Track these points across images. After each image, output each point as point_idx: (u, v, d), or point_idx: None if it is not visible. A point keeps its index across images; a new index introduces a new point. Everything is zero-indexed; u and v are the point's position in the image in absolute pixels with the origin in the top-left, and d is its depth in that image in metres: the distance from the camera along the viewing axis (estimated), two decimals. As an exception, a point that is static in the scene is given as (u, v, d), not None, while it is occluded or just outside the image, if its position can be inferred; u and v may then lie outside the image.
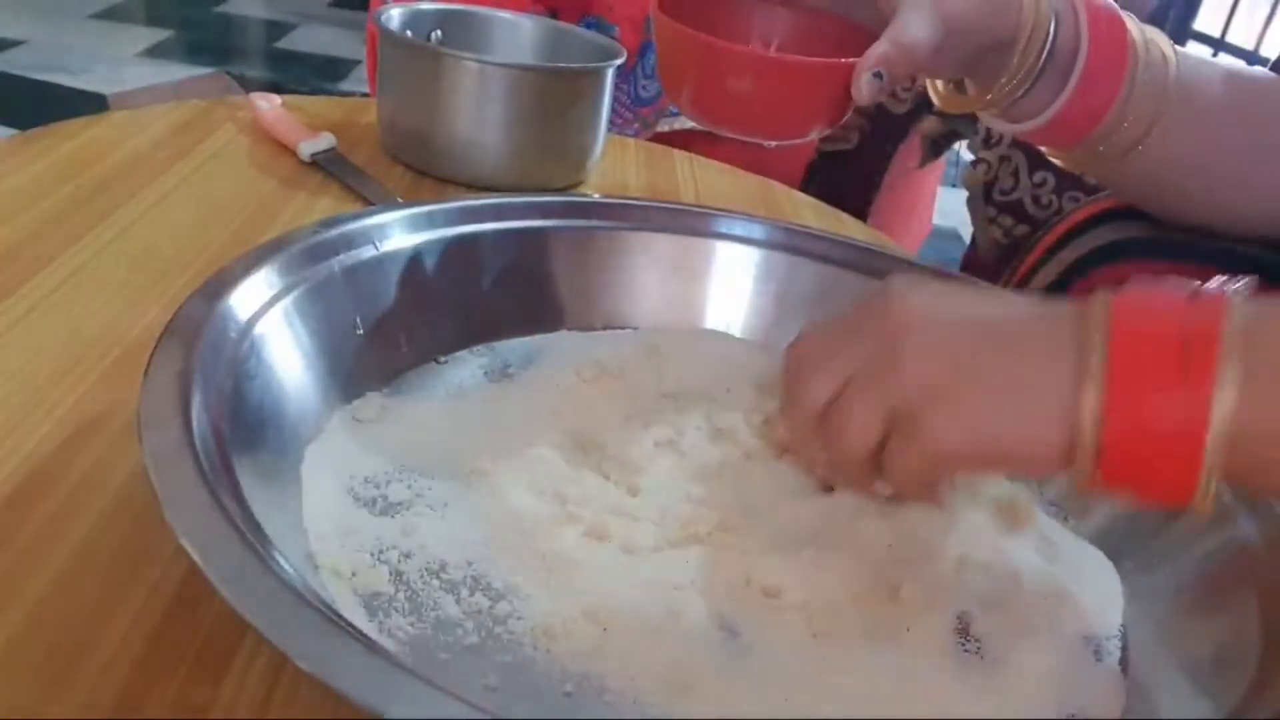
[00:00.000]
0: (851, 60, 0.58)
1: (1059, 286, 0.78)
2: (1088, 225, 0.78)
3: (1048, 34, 0.60)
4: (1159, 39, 0.64)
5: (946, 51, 0.60)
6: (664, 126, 1.18)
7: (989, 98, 0.64)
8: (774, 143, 0.68)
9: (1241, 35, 2.60)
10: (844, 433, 0.42)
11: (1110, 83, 0.62)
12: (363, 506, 0.44)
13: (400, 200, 0.74)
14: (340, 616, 0.31)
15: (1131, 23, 0.63)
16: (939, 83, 0.70)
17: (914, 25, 0.57)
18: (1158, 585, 0.46)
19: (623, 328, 0.61)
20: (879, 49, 0.58)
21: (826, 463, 0.46)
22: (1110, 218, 0.76)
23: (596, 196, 0.68)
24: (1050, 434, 0.38)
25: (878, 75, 0.58)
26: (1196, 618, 0.44)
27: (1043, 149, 0.70)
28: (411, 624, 0.38)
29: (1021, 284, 0.82)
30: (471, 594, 0.40)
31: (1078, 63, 0.61)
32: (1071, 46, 0.61)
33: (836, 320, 0.45)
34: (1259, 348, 0.36)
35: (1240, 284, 0.38)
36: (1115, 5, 0.64)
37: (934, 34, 0.58)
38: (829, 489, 0.47)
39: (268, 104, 0.86)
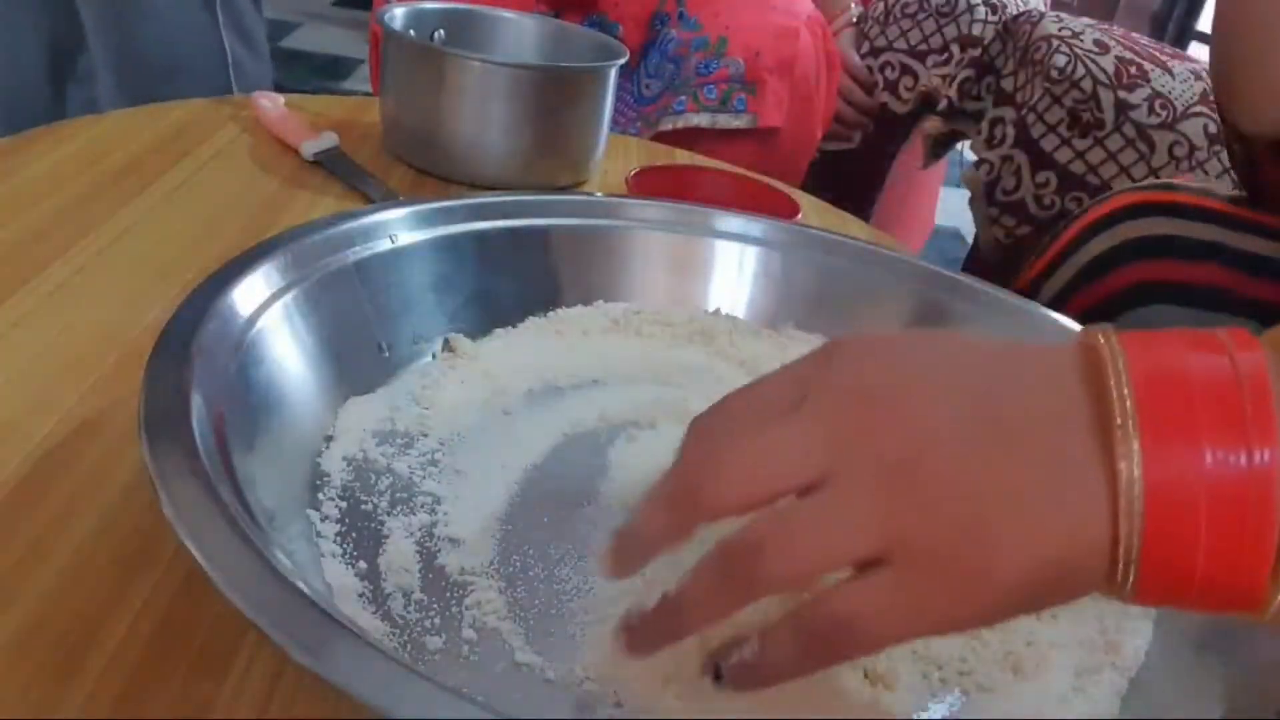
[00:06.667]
0: None
1: (1077, 285, 0.78)
2: (1106, 223, 0.77)
3: None
4: None
5: None
6: (666, 126, 1.19)
7: None
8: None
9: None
10: (817, 534, 0.31)
11: None
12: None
13: (403, 198, 0.74)
14: (340, 614, 0.31)
15: None
16: None
17: None
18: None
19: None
20: None
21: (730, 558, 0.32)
22: (1129, 215, 0.76)
23: (599, 195, 0.68)
24: (1093, 533, 0.29)
25: None
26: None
27: None
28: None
29: (1036, 283, 0.82)
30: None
31: None
32: None
33: (770, 383, 0.35)
34: None
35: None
36: None
37: None
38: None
39: (270, 103, 0.86)
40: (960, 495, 0.30)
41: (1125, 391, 0.29)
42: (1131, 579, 0.29)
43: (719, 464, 0.32)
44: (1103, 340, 0.31)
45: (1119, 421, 0.29)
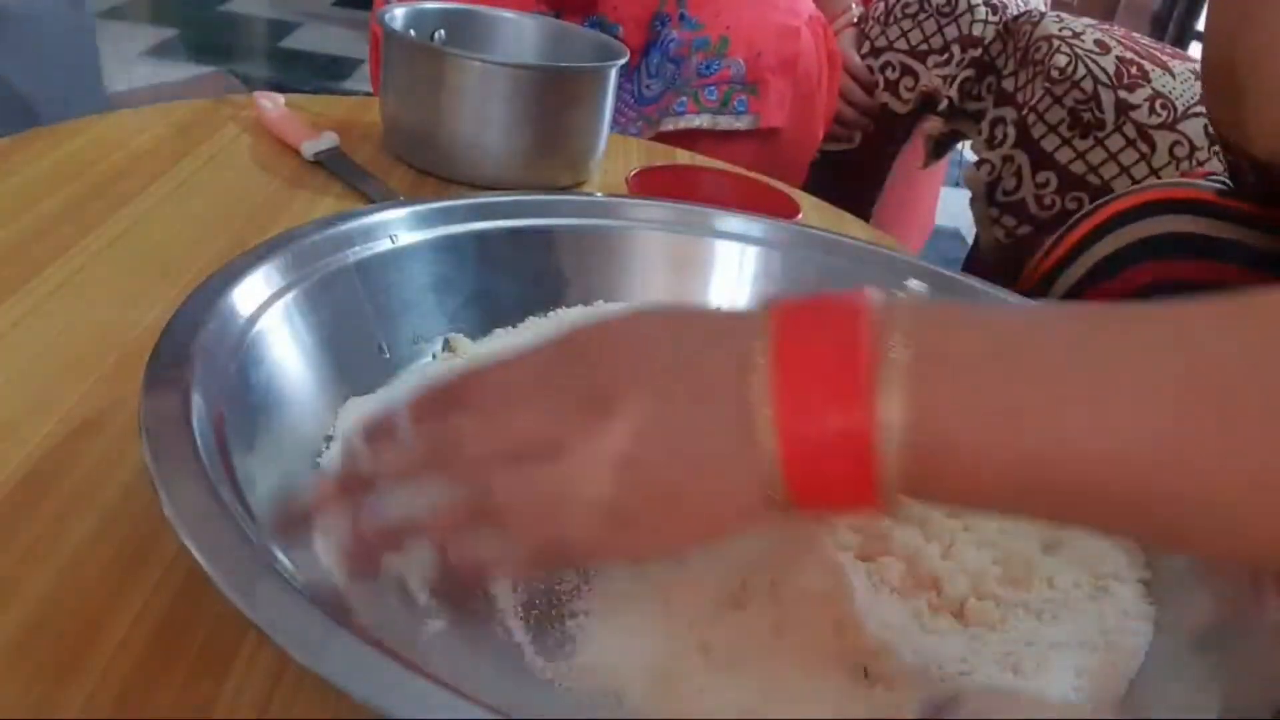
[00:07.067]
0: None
1: (1087, 284, 0.77)
2: (1119, 220, 0.77)
3: None
4: None
5: None
6: (667, 126, 1.19)
7: None
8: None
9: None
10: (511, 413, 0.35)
11: None
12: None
13: (403, 198, 0.74)
14: (340, 614, 0.31)
15: None
16: None
17: None
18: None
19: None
20: None
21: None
22: (1143, 213, 0.75)
23: (599, 195, 0.68)
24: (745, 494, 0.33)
25: None
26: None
27: None
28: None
29: (1047, 279, 0.82)
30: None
31: None
32: None
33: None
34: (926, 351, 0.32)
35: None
36: None
37: None
38: None
39: (271, 103, 0.86)
40: (638, 431, 0.33)
41: (762, 361, 0.33)
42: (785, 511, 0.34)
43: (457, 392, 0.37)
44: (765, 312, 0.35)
45: (756, 394, 0.33)
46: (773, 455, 0.32)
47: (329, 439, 0.46)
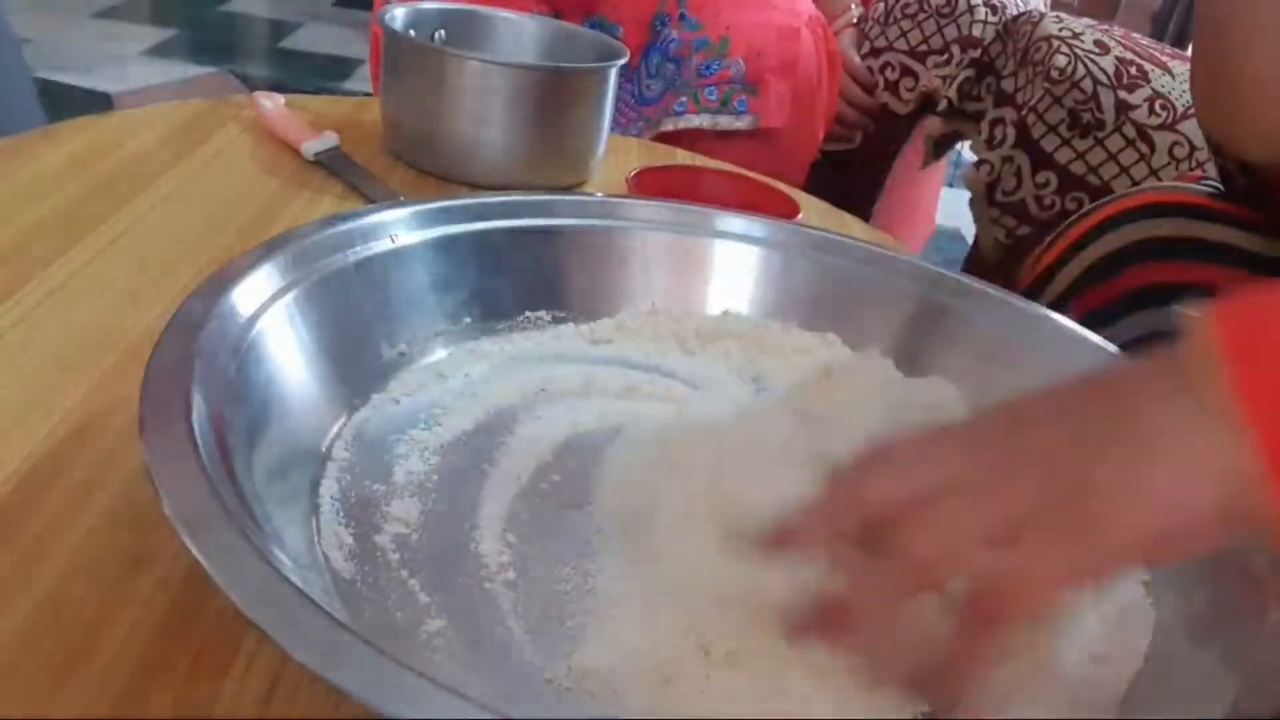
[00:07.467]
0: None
1: (1084, 283, 0.77)
2: (1116, 221, 0.77)
3: None
4: None
5: None
6: (668, 126, 1.19)
7: None
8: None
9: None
10: (931, 531, 0.35)
11: None
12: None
13: (404, 198, 0.74)
14: (339, 613, 0.31)
15: None
16: None
17: None
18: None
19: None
20: None
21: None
22: (1141, 214, 0.75)
23: (599, 195, 0.68)
24: (1203, 490, 0.34)
25: None
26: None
27: None
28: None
29: (1043, 278, 0.82)
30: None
31: None
32: None
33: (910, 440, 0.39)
34: None
35: None
36: None
37: None
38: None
39: (271, 103, 0.86)
40: (1067, 466, 0.35)
41: (1218, 395, 0.33)
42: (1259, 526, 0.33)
43: (871, 470, 0.38)
44: (1193, 320, 0.35)
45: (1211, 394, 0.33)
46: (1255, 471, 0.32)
47: (329, 439, 0.46)
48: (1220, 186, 0.75)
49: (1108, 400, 0.36)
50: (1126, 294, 0.74)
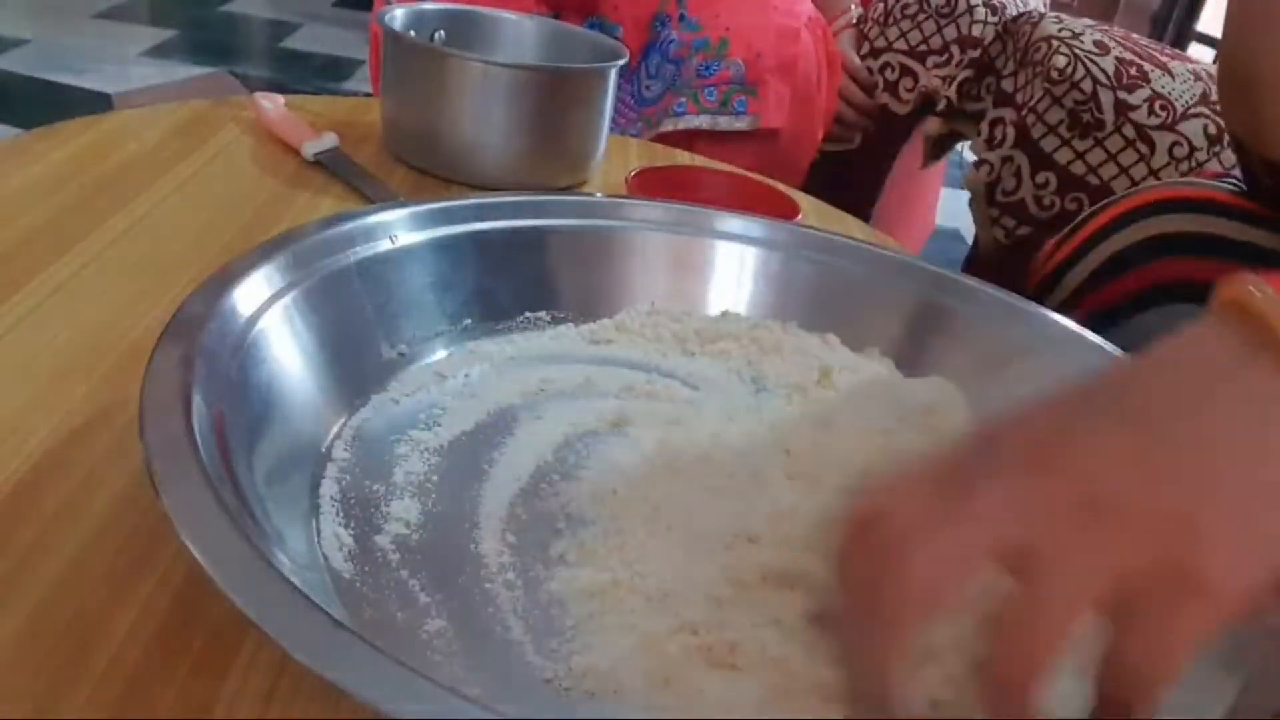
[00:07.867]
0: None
1: (1096, 280, 0.77)
2: (1129, 218, 0.76)
3: None
4: None
5: None
6: (667, 126, 1.19)
7: None
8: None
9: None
10: (1046, 608, 0.30)
11: None
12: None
13: (403, 198, 0.74)
14: (339, 613, 0.31)
15: None
16: None
17: None
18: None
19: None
20: None
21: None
22: (1154, 210, 0.75)
23: (599, 196, 0.68)
24: None
25: None
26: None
27: None
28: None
29: (1055, 275, 0.81)
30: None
31: None
32: None
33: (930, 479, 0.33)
34: None
35: None
36: None
37: None
38: None
39: (271, 104, 0.86)
40: (1154, 512, 0.30)
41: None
42: None
43: (903, 577, 0.31)
44: (1255, 292, 0.32)
45: None
46: None
47: (329, 439, 0.46)
48: (1238, 184, 0.75)
49: (1171, 398, 0.32)
50: (1138, 291, 0.74)
